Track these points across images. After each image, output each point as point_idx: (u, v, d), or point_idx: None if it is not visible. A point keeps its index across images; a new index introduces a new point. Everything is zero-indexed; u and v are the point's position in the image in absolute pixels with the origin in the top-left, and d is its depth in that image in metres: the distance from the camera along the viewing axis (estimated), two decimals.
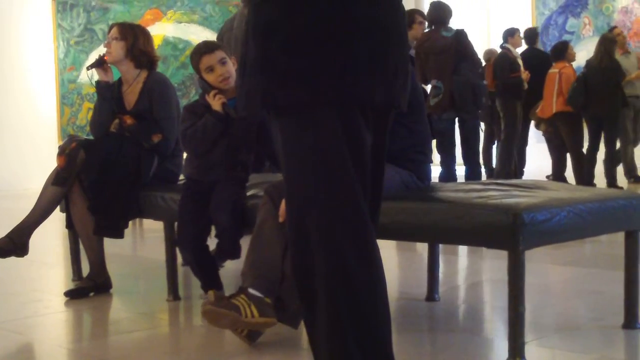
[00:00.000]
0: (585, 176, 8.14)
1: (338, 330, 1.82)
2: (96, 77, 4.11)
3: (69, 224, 4.05)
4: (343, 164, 1.84)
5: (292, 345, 2.98)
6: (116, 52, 4.03)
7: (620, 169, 8.60)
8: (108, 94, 4.06)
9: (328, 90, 1.82)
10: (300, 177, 1.87)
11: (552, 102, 8.34)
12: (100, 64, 4.07)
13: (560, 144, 8.60)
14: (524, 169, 9.30)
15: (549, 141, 8.91)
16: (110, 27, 4.15)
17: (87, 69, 4.16)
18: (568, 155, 8.54)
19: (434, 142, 5.70)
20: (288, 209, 1.93)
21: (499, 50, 9.17)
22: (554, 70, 8.44)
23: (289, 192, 1.91)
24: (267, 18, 1.85)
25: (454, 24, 6.90)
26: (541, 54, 9.25)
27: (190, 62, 3.55)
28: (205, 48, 3.45)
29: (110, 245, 4.06)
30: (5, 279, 4.43)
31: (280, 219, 2.88)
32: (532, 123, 8.99)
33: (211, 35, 11.96)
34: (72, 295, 3.85)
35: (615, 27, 9.67)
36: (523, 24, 10.38)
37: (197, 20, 12.34)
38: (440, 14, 6.80)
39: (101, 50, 4.27)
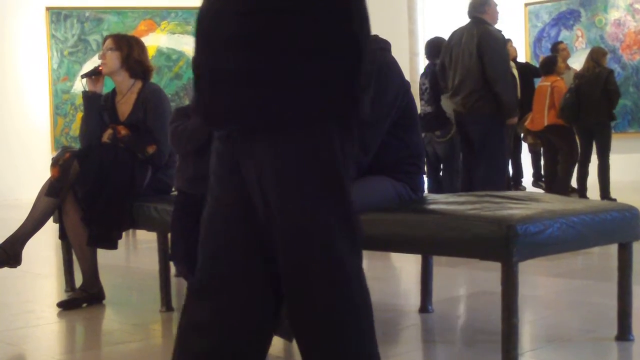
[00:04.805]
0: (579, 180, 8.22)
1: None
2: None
3: (62, 235, 4.05)
4: (342, 178, 1.81)
5: (286, 357, 2.97)
6: (112, 63, 4.04)
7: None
8: (95, 104, 4.07)
9: (331, 105, 1.77)
10: (301, 194, 1.78)
11: (543, 115, 8.37)
12: (95, 73, 4.08)
13: (551, 156, 8.64)
14: (522, 179, 9.37)
15: (534, 153, 9.19)
16: (105, 39, 4.18)
17: (82, 77, 4.18)
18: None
19: None
20: (282, 234, 1.80)
21: None
22: (544, 83, 8.47)
23: (290, 210, 1.79)
24: (253, 30, 1.77)
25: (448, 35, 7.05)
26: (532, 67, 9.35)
27: None
28: None
29: (103, 256, 4.05)
30: None
31: None
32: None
33: None
34: (65, 306, 3.83)
35: (560, 42, 9.75)
36: (516, 36, 10.42)
37: (191, 31, 12.28)
38: (430, 50, 7.50)
39: (95, 60, 4.29)
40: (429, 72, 7.36)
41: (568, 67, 9.08)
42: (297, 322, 1.84)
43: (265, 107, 1.75)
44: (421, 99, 7.31)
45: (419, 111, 7.01)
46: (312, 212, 1.78)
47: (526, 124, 8.65)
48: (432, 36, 7.90)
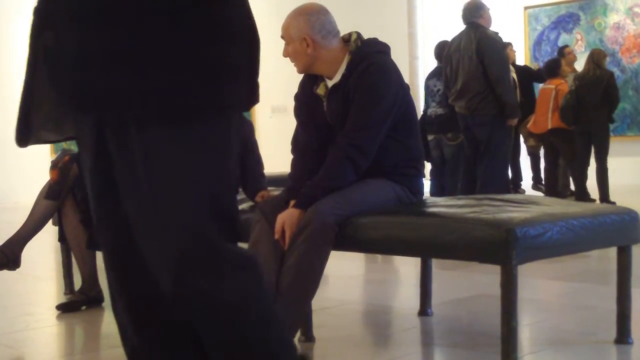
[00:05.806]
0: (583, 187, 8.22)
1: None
2: None
3: (62, 238, 4.05)
4: (230, 170, 1.69)
5: None
6: None
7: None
8: None
9: (229, 93, 1.60)
10: (180, 185, 1.59)
11: (547, 118, 8.37)
12: None
13: (552, 160, 8.65)
14: (521, 182, 9.38)
15: (533, 155, 9.25)
16: None
17: None
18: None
19: None
20: (158, 228, 1.63)
21: None
22: (548, 86, 8.47)
23: (167, 205, 1.60)
24: (137, 7, 1.53)
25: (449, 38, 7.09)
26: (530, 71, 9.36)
27: None
28: None
29: (102, 258, 4.05)
30: None
31: (276, 236, 2.88)
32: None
33: None
34: (64, 308, 3.84)
35: (566, 46, 9.75)
36: (516, 40, 10.42)
37: None
38: (439, 51, 7.42)
39: None
40: (439, 74, 7.36)
41: (574, 70, 9.07)
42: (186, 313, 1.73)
43: (153, 93, 1.53)
44: (432, 101, 7.25)
45: (430, 113, 7.04)
46: (190, 208, 1.60)
47: (528, 126, 8.65)
48: (431, 39, 7.93)
